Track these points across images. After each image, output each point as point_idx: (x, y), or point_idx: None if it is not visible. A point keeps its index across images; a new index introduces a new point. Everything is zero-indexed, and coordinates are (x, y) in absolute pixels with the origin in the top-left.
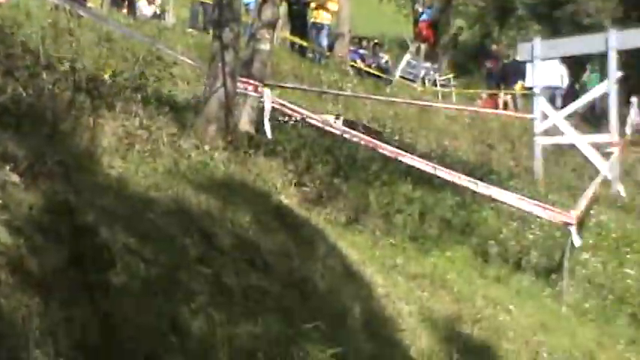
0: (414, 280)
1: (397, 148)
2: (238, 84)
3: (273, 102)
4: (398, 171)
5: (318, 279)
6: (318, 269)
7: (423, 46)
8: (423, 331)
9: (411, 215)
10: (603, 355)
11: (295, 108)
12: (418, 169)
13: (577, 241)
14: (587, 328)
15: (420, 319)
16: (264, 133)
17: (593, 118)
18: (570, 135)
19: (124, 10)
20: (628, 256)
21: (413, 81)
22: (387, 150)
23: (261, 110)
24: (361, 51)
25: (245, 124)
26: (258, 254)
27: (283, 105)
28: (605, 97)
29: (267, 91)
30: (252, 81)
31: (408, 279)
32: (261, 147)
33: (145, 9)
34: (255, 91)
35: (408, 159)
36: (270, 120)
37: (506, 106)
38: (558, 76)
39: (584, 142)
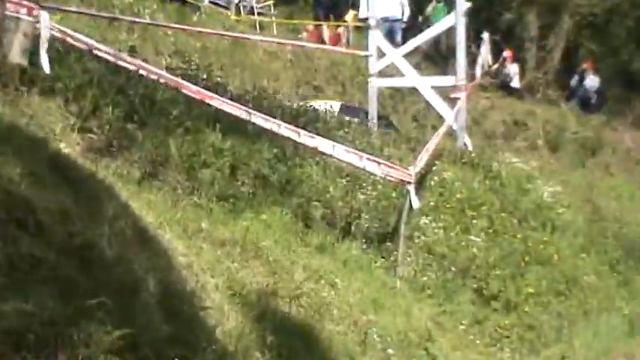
0: (222, 247)
1: (204, 88)
2: (8, 5)
3: (52, 29)
4: (205, 116)
5: (105, 246)
6: (104, 233)
7: None
8: (231, 308)
9: (220, 170)
10: (442, 337)
11: (80, 37)
12: (229, 114)
13: (416, 203)
14: (424, 306)
15: (229, 295)
16: (41, 66)
17: (437, 58)
18: (411, 76)
19: None
20: (474, 220)
21: (226, 8)
22: (192, 91)
23: (37, 38)
24: None
25: (16, 55)
26: (31, 214)
27: (65, 33)
28: (451, 32)
29: (44, 14)
30: (25, 2)
31: (214, 246)
32: (36, 83)
33: None
34: (30, 14)
35: (218, 102)
36: (48, 51)
37: (336, 40)
38: (398, 5)
39: (426, 85)
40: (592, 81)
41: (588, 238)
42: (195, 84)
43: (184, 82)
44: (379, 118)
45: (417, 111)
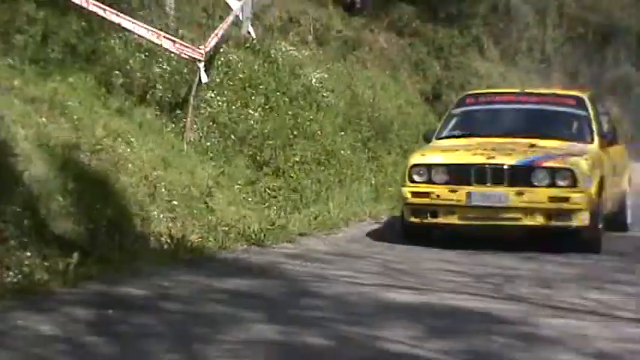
0: (32, 104)
1: None
2: None
3: None
4: None
5: None
6: None
7: None
8: (38, 157)
9: (33, 37)
10: (221, 193)
11: None
12: None
13: (204, 78)
14: (207, 167)
15: (37, 145)
16: None
17: None
18: None
19: None
20: (253, 97)
21: None
22: None
23: None
24: None
25: None
26: None
27: None
28: None
29: None
30: None
31: (25, 102)
32: None
33: None
34: None
35: None
36: None
37: None
38: None
39: None
40: None
41: (346, 119)
42: None
43: None
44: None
45: (207, 2)
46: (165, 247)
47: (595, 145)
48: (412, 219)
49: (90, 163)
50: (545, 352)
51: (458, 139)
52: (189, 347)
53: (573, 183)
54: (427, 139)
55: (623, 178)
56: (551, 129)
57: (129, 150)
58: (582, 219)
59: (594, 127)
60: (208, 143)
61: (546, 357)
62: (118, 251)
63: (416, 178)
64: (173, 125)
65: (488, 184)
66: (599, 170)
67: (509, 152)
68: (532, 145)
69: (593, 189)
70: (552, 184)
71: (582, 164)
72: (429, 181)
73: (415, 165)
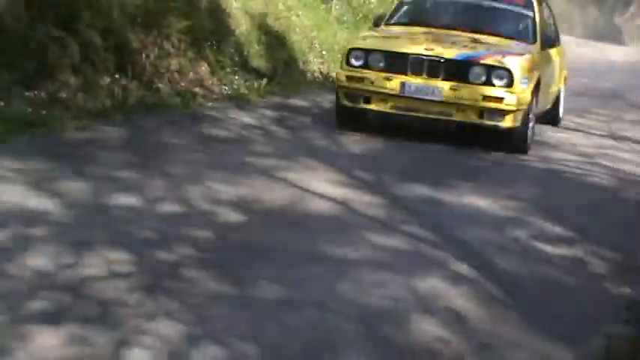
0: None
1: None
2: None
3: None
4: None
5: None
6: None
7: None
8: (243, 19)
9: None
10: None
11: None
12: None
13: None
14: (343, 32)
15: (243, 12)
16: None
17: None
18: None
19: None
20: None
21: None
22: None
23: None
24: None
25: None
26: None
27: None
28: None
29: None
30: None
31: None
32: None
33: None
34: None
35: None
36: None
37: None
38: None
39: None
40: None
41: None
42: None
43: None
44: None
45: None
46: (317, 79)
47: (536, 46)
48: (345, 102)
49: (274, 25)
50: (547, 152)
51: (405, 27)
52: (333, 137)
53: (510, 83)
54: (376, 24)
55: (561, 77)
56: (497, 26)
57: (297, 19)
58: (514, 120)
59: (538, 28)
60: (345, 17)
61: (548, 154)
62: (289, 79)
63: (353, 62)
64: (324, 6)
65: (424, 76)
66: (537, 72)
67: (449, 45)
68: (474, 41)
69: (529, 91)
70: (488, 82)
71: (521, 64)
72: (366, 67)
73: (353, 49)
